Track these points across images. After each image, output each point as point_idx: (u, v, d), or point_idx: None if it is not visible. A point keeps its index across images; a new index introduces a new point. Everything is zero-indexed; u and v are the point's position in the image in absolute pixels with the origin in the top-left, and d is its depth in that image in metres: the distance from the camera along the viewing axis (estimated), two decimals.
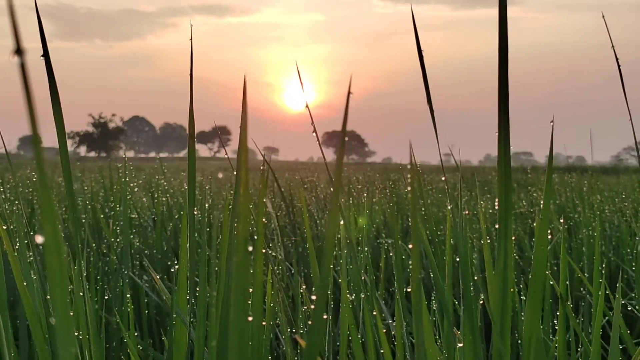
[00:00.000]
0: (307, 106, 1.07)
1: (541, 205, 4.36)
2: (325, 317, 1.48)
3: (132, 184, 4.27)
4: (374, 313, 1.00)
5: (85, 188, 3.82)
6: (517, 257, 3.25)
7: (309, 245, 1.45)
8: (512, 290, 0.77)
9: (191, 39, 0.97)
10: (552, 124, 0.80)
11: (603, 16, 0.91)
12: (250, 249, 0.63)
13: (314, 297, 1.90)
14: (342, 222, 1.37)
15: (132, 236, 2.83)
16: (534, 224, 4.01)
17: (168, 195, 3.13)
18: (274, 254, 3.23)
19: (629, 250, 3.21)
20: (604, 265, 3.32)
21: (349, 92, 0.69)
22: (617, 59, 0.90)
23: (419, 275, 0.67)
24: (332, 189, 2.32)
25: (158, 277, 1.21)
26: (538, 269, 0.80)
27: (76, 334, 1.12)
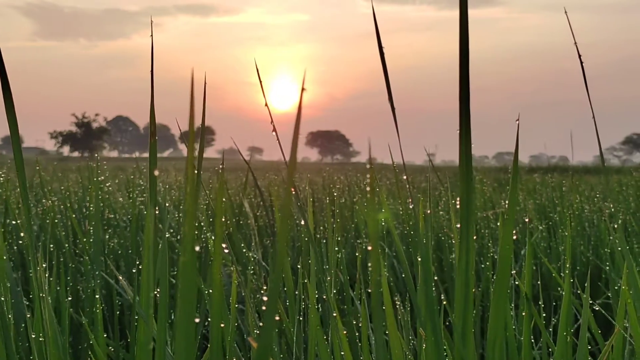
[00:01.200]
0: (266, 105, 1.05)
1: (521, 206, 4.34)
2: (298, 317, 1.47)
3: (109, 184, 4.23)
4: (334, 314, 0.99)
5: (62, 188, 3.79)
6: (495, 257, 3.24)
7: (279, 246, 1.43)
8: (473, 290, 0.76)
9: (152, 36, 0.95)
10: (517, 122, 0.79)
11: (566, 14, 0.90)
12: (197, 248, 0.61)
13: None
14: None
15: (107, 236, 2.80)
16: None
17: (144, 195, 3.10)
18: (253, 255, 3.21)
19: (607, 250, 3.21)
20: (578, 267, 3.33)
21: (303, 89, 0.67)
22: (580, 60, 0.89)
23: (377, 277, 0.66)
24: (308, 189, 2.29)
25: (121, 277, 1.18)
26: (503, 270, 0.78)
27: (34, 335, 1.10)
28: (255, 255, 2.85)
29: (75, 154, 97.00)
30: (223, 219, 0.94)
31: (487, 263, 2.17)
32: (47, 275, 1.15)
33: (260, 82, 1.06)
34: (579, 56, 0.89)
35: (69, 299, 1.75)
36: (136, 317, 1.12)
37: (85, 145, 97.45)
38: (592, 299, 3.10)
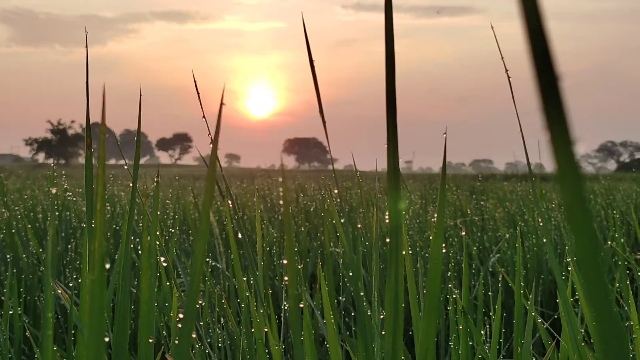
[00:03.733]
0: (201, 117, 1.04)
1: (496, 214, 4.35)
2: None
3: (77, 191, 4.19)
4: (261, 323, 0.98)
5: (25, 196, 3.74)
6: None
7: (233, 255, 1.42)
8: (402, 305, 0.75)
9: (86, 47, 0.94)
10: (444, 135, 0.78)
11: (492, 27, 0.90)
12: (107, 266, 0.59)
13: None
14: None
15: (69, 245, 2.77)
16: (481, 234, 4.02)
17: (108, 204, 3.07)
18: (218, 264, 3.19)
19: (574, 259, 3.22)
20: (542, 276, 3.34)
21: (222, 103, 0.66)
22: (506, 70, 0.89)
23: (294, 291, 0.65)
24: (282, 196, 2.28)
25: (60, 288, 1.16)
26: (433, 284, 0.78)
27: None
28: (219, 265, 2.84)
29: (51, 160, 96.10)
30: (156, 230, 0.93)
31: (454, 273, 2.17)
32: None
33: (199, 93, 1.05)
34: (506, 71, 0.88)
35: (19, 311, 1.73)
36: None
37: (61, 152, 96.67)
38: (554, 310, 3.11)
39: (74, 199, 3.56)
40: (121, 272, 0.86)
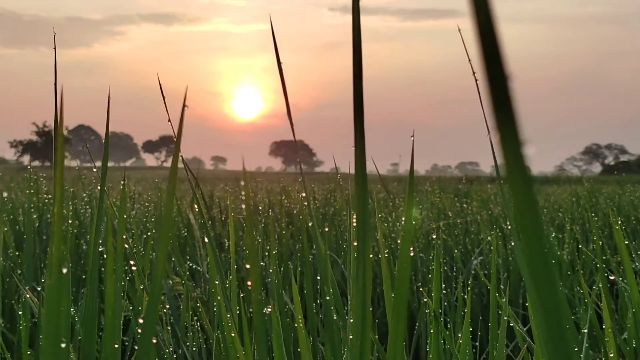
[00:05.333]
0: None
1: (479, 217, 4.35)
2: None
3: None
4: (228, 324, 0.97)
5: (5, 199, 3.72)
6: (446, 269, 3.25)
7: (209, 258, 1.41)
8: (370, 309, 0.74)
9: (55, 50, 0.93)
10: (412, 138, 0.78)
11: (459, 30, 0.90)
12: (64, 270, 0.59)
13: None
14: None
15: (48, 248, 2.74)
16: (465, 236, 4.03)
17: (87, 207, 3.05)
18: (197, 267, 3.18)
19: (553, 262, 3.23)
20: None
21: (184, 105, 0.66)
22: (474, 73, 0.89)
23: (258, 295, 0.64)
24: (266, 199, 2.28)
25: (28, 294, 1.15)
26: (401, 288, 0.77)
27: None
28: (199, 268, 2.82)
29: (36, 163, 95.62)
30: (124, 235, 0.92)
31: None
32: None
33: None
34: (474, 73, 0.88)
35: None
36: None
37: (46, 155, 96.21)
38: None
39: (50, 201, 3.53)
40: (89, 277, 0.85)
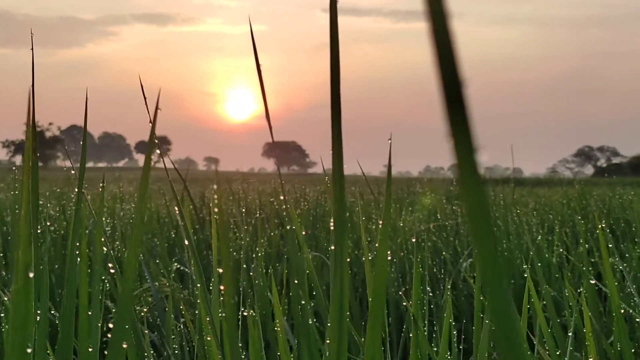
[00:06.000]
0: None
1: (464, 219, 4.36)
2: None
3: (46, 194, 4.14)
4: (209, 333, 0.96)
5: None
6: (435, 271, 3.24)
7: (193, 261, 1.40)
8: (348, 313, 0.74)
9: (31, 54, 0.92)
10: (389, 141, 0.77)
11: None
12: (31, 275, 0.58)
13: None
14: None
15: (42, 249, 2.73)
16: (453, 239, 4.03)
17: (73, 208, 3.04)
18: (185, 269, 3.16)
19: (541, 264, 3.23)
20: (513, 281, 3.35)
21: (157, 108, 0.66)
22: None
23: (230, 300, 0.64)
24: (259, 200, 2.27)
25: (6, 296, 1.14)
26: (378, 291, 0.77)
27: None
28: (187, 270, 2.81)
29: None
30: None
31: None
32: None
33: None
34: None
35: None
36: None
37: (39, 155, 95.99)
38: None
39: (40, 201, 3.51)
40: (66, 280, 0.84)
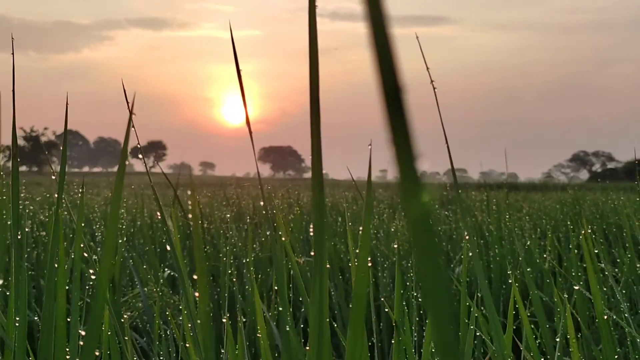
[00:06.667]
0: None
1: (462, 224, 4.35)
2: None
3: (37, 199, 4.13)
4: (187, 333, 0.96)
5: None
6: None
7: (181, 266, 1.39)
8: (327, 320, 0.73)
9: (10, 61, 0.92)
10: (369, 146, 0.77)
11: (417, 37, 0.89)
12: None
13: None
14: None
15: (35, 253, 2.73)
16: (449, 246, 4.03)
17: (65, 212, 3.03)
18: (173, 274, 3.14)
19: (531, 269, 3.23)
20: (504, 287, 3.34)
21: (131, 112, 0.65)
22: (432, 81, 0.88)
23: (205, 307, 0.63)
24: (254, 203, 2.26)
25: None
26: (358, 299, 0.76)
27: None
28: (175, 274, 2.80)
29: (23, 168, 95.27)
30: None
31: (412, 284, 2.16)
32: None
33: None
34: (432, 82, 0.87)
35: None
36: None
37: (33, 159, 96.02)
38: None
39: (32, 207, 3.51)
40: (46, 285, 0.84)
